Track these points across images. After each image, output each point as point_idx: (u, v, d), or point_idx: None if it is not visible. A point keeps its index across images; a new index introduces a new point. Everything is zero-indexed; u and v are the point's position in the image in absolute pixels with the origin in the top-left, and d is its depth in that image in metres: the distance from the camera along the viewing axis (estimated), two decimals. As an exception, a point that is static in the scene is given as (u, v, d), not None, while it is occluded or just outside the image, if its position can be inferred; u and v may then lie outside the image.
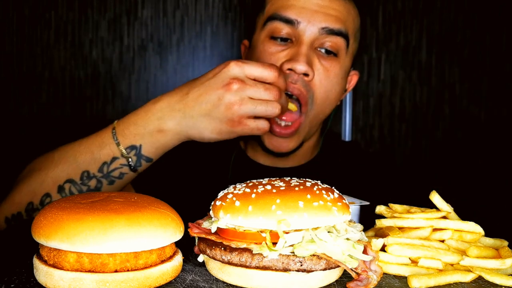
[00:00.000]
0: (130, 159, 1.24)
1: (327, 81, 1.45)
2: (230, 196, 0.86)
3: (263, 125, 1.24)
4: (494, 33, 2.42)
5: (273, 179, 0.91)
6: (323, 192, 0.85)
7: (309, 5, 1.44)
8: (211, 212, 0.90)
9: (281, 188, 0.85)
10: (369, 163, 1.72)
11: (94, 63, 2.29)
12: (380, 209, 1.04)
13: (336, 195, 0.87)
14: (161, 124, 1.22)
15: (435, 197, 0.99)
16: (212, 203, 0.90)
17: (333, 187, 0.91)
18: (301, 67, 1.38)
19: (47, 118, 2.28)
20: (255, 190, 0.85)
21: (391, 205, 1.04)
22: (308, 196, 0.83)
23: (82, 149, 1.27)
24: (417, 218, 0.97)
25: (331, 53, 1.45)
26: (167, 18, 2.31)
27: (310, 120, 1.47)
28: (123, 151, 1.23)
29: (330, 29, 1.43)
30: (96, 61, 2.29)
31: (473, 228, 0.98)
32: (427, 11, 2.42)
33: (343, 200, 0.88)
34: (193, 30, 2.33)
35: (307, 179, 0.91)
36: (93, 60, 2.29)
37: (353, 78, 1.65)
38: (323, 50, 1.44)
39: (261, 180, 0.91)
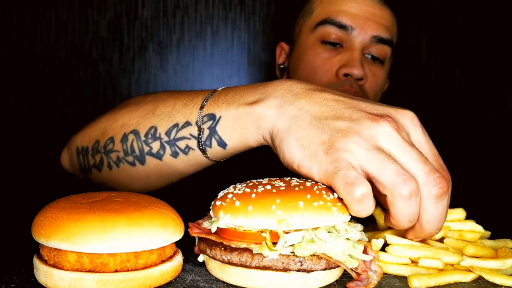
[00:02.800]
0: (201, 132, 1.00)
1: (375, 86, 1.53)
2: (230, 196, 0.86)
3: (369, 209, 0.80)
4: (494, 33, 2.42)
5: (273, 179, 0.91)
6: (323, 192, 0.85)
7: (362, 13, 1.48)
8: (211, 212, 0.90)
9: (281, 188, 0.85)
10: None
11: (94, 63, 2.29)
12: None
13: (336, 195, 0.87)
14: (262, 97, 0.93)
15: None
16: (212, 203, 0.90)
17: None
18: (358, 72, 1.43)
19: (47, 118, 2.28)
20: (255, 190, 0.85)
21: None
22: (308, 196, 0.83)
23: (171, 100, 1.07)
24: None
25: (377, 60, 1.50)
26: (167, 18, 2.31)
27: None
28: (200, 117, 1.00)
29: (381, 38, 1.50)
30: (96, 61, 2.29)
31: (473, 228, 0.98)
32: (427, 11, 2.42)
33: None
34: (193, 30, 2.33)
35: (307, 179, 0.91)
36: (93, 60, 2.29)
37: (385, 86, 1.72)
38: (369, 56, 1.49)
39: (261, 180, 0.91)
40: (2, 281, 0.81)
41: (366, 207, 0.78)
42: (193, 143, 1.02)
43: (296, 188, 0.85)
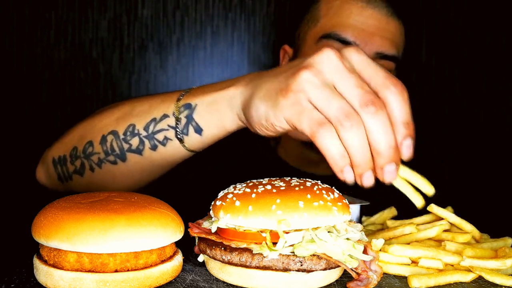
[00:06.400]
0: (179, 121, 1.04)
1: None
2: (230, 196, 0.86)
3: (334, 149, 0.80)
4: (494, 33, 2.42)
5: (273, 179, 0.91)
6: (323, 192, 0.85)
7: (367, 27, 1.44)
8: (211, 212, 0.90)
9: (281, 188, 0.85)
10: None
11: (94, 63, 2.29)
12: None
13: (336, 195, 0.87)
14: (231, 83, 1.00)
15: (434, 209, 1.00)
16: (212, 203, 0.90)
17: (333, 187, 0.91)
18: None
19: (47, 118, 2.28)
20: (255, 190, 0.85)
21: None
22: (308, 196, 0.83)
23: (147, 100, 1.12)
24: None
25: None
26: (167, 18, 2.31)
27: None
28: (177, 108, 1.05)
29: (385, 55, 1.46)
30: (96, 61, 2.29)
31: (464, 226, 0.99)
32: (427, 11, 2.42)
33: (343, 200, 0.88)
34: (193, 30, 2.33)
35: (307, 179, 0.91)
36: (93, 60, 2.29)
37: None
38: None
39: (261, 180, 0.91)
40: (2, 281, 0.81)
41: (334, 141, 0.80)
42: (171, 134, 1.06)
43: (296, 188, 0.85)
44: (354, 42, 1.43)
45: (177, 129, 1.05)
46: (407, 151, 0.82)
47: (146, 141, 1.09)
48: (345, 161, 0.80)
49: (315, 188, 0.85)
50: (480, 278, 0.90)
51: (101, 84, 2.30)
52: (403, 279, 0.90)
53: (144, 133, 1.09)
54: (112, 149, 1.12)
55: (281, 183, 0.87)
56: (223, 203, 0.86)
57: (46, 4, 2.25)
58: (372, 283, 0.82)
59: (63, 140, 1.22)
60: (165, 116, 1.07)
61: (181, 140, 1.06)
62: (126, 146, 1.11)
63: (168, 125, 1.06)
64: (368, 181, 0.81)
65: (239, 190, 0.87)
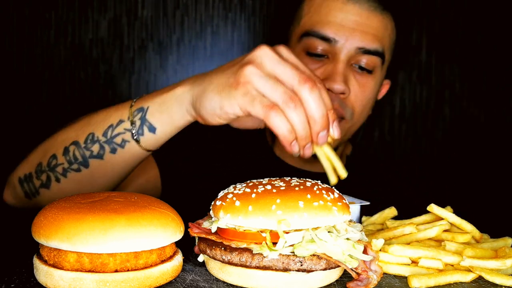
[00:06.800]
0: (134, 124, 1.15)
1: (363, 96, 1.49)
2: (230, 196, 0.86)
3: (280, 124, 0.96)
4: (494, 33, 2.42)
5: (273, 179, 0.91)
6: (323, 192, 0.85)
7: (347, 23, 1.44)
8: (211, 212, 0.90)
9: (281, 188, 0.85)
10: (394, 173, 1.78)
11: (94, 63, 2.29)
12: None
13: (336, 195, 0.87)
14: (176, 85, 1.13)
15: (434, 209, 1.00)
16: (212, 203, 0.90)
17: (333, 187, 0.91)
18: (338, 86, 1.40)
19: (47, 118, 2.28)
20: (255, 190, 0.85)
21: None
22: (308, 196, 0.83)
23: (103, 111, 1.22)
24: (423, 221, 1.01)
25: (364, 70, 1.47)
26: (167, 18, 2.31)
27: (345, 133, 1.49)
28: (131, 113, 1.16)
29: (367, 50, 1.45)
30: (96, 61, 2.29)
31: (464, 226, 0.99)
32: (427, 11, 2.42)
33: (343, 200, 0.88)
34: (193, 30, 2.33)
35: (307, 179, 0.91)
36: (93, 60, 2.29)
37: (384, 87, 1.68)
38: (357, 66, 1.46)
39: (261, 180, 0.91)
40: (2, 281, 0.81)
41: (283, 120, 0.96)
42: (128, 136, 1.17)
43: (296, 188, 0.85)
44: (334, 39, 1.43)
45: (133, 131, 1.15)
46: (322, 140, 0.99)
47: (106, 146, 1.19)
48: (292, 136, 0.97)
49: (315, 188, 0.85)
50: (480, 278, 0.90)
51: (101, 84, 2.30)
52: (403, 279, 0.90)
53: (103, 139, 1.19)
54: (75, 157, 1.21)
55: (281, 183, 0.87)
56: (223, 203, 0.86)
57: (46, 4, 2.25)
58: (372, 283, 0.82)
59: (27, 160, 1.29)
60: (121, 121, 1.17)
61: (137, 141, 1.16)
62: (88, 153, 1.20)
63: (125, 129, 1.16)
64: (308, 152, 1.00)
65: (239, 190, 0.87)
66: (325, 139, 1.00)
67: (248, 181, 0.91)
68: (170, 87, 1.13)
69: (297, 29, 1.52)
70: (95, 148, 1.19)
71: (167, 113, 1.12)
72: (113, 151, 1.18)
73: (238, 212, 0.82)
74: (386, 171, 1.84)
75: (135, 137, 1.16)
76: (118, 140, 1.17)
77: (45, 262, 0.79)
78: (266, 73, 0.98)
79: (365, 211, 1.19)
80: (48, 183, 1.24)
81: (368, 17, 1.45)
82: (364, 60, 1.45)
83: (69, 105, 2.29)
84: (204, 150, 1.58)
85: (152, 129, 1.15)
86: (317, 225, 0.81)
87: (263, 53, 0.99)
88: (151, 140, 1.16)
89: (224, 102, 1.00)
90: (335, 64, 1.43)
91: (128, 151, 1.18)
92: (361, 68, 1.46)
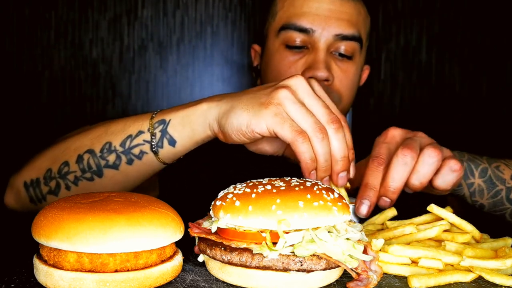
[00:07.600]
0: (154, 136, 1.14)
1: (347, 80, 1.52)
2: (230, 196, 0.86)
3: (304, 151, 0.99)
4: (494, 33, 2.42)
5: (273, 179, 0.91)
6: (323, 192, 0.85)
7: (321, 11, 1.47)
8: (211, 212, 0.90)
9: (281, 188, 0.85)
10: None
11: (94, 63, 2.29)
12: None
13: (336, 195, 0.87)
14: (202, 101, 1.13)
15: (434, 209, 1.00)
16: (212, 203, 0.90)
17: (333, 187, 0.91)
18: (322, 73, 1.43)
19: (47, 118, 2.28)
20: (255, 190, 0.85)
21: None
22: (308, 196, 0.83)
23: (121, 120, 1.21)
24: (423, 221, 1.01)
25: (344, 56, 1.49)
26: (167, 18, 2.31)
27: None
28: (152, 124, 1.15)
29: (344, 36, 1.48)
30: (96, 61, 2.29)
31: (464, 226, 0.99)
32: (427, 11, 2.42)
33: (343, 200, 0.88)
34: (193, 30, 2.33)
35: (307, 179, 0.91)
36: (93, 60, 2.29)
37: (365, 73, 1.72)
38: (337, 53, 1.48)
39: (261, 180, 0.91)
40: (2, 281, 0.81)
41: (308, 148, 1.00)
42: (146, 148, 1.16)
43: (296, 188, 0.85)
44: (311, 29, 1.46)
45: (153, 143, 1.15)
46: (342, 181, 1.04)
47: (123, 156, 1.18)
48: (314, 165, 1.00)
49: (315, 188, 0.85)
50: (480, 278, 0.90)
51: (101, 84, 2.30)
52: (403, 279, 0.90)
53: (120, 149, 1.18)
54: (89, 166, 1.20)
55: (281, 183, 0.87)
56: (223, 203, 0.86)
57: (46, 4, 2.25)
58: (372, 283, 0.82)
59: (33, 165, 1.27)
60: (140, 132, 1.16)
61: (155, 153, 1.16)
62: (103, 162, 1.19)
63: (144, 140, 1.16)
64: (325, 184, 1.00)
65: (239, 190, 0.87)
66: (345, 181, 1.04)
67: (248, 181, 0.91)
68: (194, 102, 1.13)
69: (274, 25, 1.54)
70: (111, 157, 1.18)
71: (189, 127, 1.12)
72: (130, 162, 1.18)
73: (238, 212, 0.82)
74: None
75: (154, 149, 1.15)
76: (135, 151, 1.17)
77: (45, 262, 0.79)
78: (299, 100, 1.01)
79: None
80: (57, 190, 1.22)
81: (342, 4, 1.49)
82: (343, 47, 1.48)
83: (69, 105, 2.29)
84: (223, 157, 1.58)
85: (172, 142, 1.14)
86: (317, 225, 0.81)
87: (298, 82, 1.03)
88: (169, 153, 1.16)
89: (252, 120, 1.01)
90: (315, 53, 1.46)
91: (144, 162, 1.18)
92: (341, 55, 1.50)
